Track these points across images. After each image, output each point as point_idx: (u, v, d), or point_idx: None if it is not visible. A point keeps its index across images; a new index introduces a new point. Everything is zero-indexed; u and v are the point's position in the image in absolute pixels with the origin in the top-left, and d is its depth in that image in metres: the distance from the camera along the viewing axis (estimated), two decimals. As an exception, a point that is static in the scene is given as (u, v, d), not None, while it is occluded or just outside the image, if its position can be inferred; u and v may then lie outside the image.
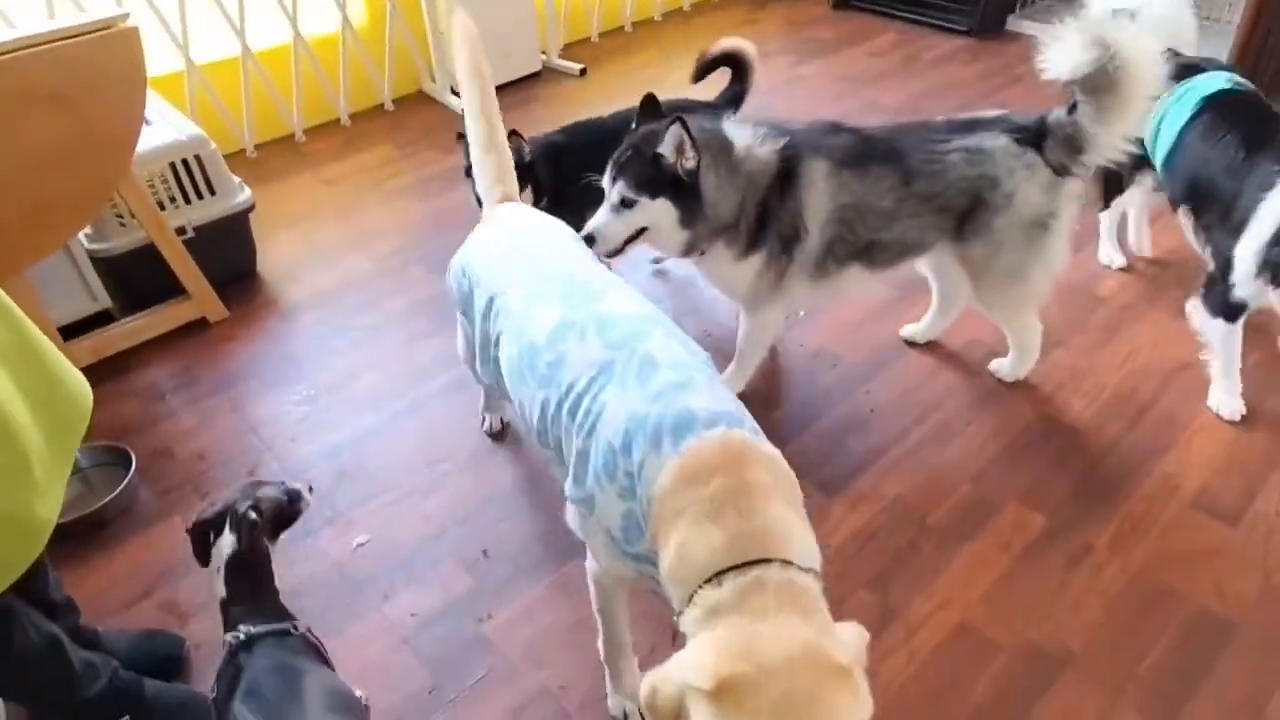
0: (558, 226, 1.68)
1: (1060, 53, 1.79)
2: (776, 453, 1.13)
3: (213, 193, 2.71)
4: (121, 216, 2.55)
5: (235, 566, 1.36)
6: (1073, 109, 1.86)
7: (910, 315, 2.56)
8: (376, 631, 1.79)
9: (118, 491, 2.05)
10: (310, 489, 1.53)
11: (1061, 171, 1.90)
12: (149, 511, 2.11)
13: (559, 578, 1.88)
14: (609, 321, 1.30)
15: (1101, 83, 1.76)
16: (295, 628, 1.34)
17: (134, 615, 1.85)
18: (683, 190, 1.82)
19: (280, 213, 3.33)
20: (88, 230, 2.55)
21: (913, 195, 1.92)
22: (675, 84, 4.17)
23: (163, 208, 2.60)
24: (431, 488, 2.12)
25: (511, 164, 1.84)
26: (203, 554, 1.40)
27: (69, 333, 2.52)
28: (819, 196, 1.91)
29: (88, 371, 2.54)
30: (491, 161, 1.80)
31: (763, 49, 4.49)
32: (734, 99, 2.66)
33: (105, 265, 2.62)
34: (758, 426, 1.17)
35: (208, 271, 2.66)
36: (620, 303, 1.35)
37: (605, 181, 1.88)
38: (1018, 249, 1.97)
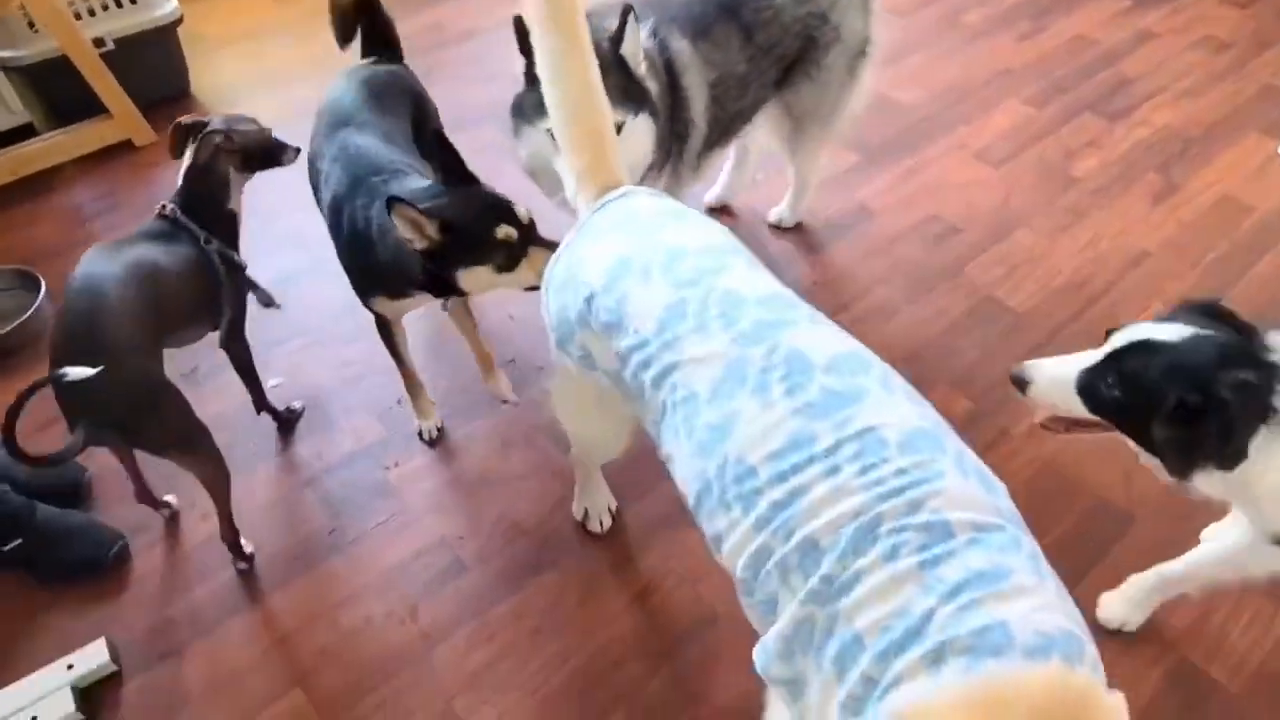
0: (716, 230, 1.07)
1: None
2: (1122, 705, 0.70)
3: (134, 1, 2.49)
4: (30, 20, 2.36)
5: (191, 176, 1.54)
6: None
7: (876, 180, 2.43)
8: (281, 472, 1.79)
9: (26, 316, 1.99)
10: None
11: None
12: (62, 339, 2.06)
13: (468, 431, 1.86)
14: (875, 442, 0.80)
15: None
16: (233, 260, 1.57)
17: (37, 441, 1.82)
18: (644, 95, 1.50)
19: (221, 30, 3.09)
20: (-6, 35, 2.36)
21: (758, 51, 1.74)
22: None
23: (79, 17, 2.40)
24: (353, 336, 2.05)
25: (614, 134, 1.20)
26: (175, 150, 1.58)
27: (-17, 147, 2.39)
28: (696, 81, 1.66)
29: (5, 191, 2.46)
30: (583, 132, 1.16)
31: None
32: None
33: (21, 75, 2.44)
34: (1097, 654, 0.73)
35: (133, 90, 2.49)
36: (890, 407, 0.84)
37: None
38: (842, 84, 1.89)
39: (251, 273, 1.72)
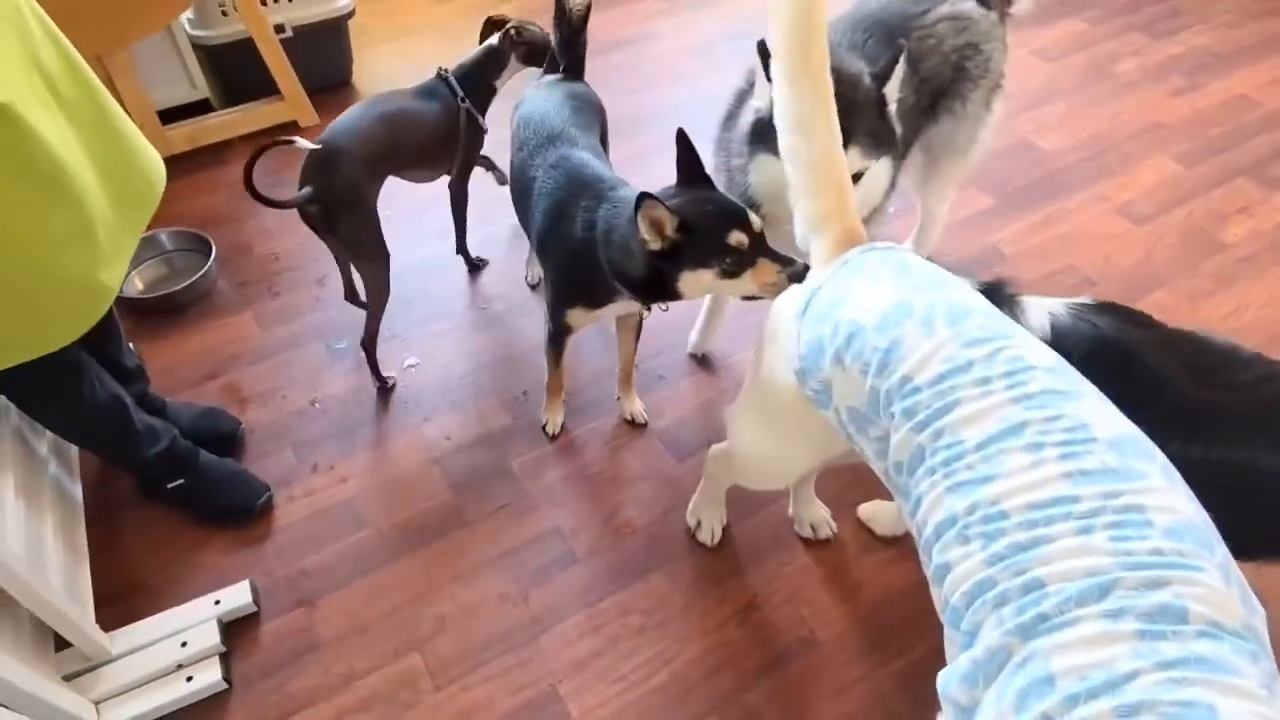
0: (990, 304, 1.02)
1: None
2: None
3: (315, -7, 2.68)
4: (224, 5, 2.56)
5: (483, 56, 1.99)
6: None
7: (1011, 225, 2.41)
8: (412, 448, 1.89)
9: (198, 276, 2.17)
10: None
11: (1002, 20, 1.82)
12: (225, 301, 2.23)
13: (589, 430, 1.93)
14: (1139, 520, 0.76)
15: None
16: (477, 120, 1.99)
17: (199, 393, 1.99)
18: (891, 138, 1.49)
19: (384, 25, 3.28)
20: (191, 16, 2.57)
21: (921, 82, 1.73)
22: None
23: (264, 3, 2.59)
24: (484, 324, 2.17)
25: (850, 179, 1.18)
26: (482, 38, 2.03)
27: (169, 117, 2.60)
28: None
29: (184, 158, 2.65)
30: (825, 180, 1.15)
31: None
32: None
33: (206, 54, 2.66)
34: None
35: (303, 75, 2.67)
36: (1167, 495, 0.80)
37: None
38: (979, 118, 1.87)
39: (397, 261, 1.86)
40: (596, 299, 1.59)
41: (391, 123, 1.79)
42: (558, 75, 1.87)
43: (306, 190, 1.69)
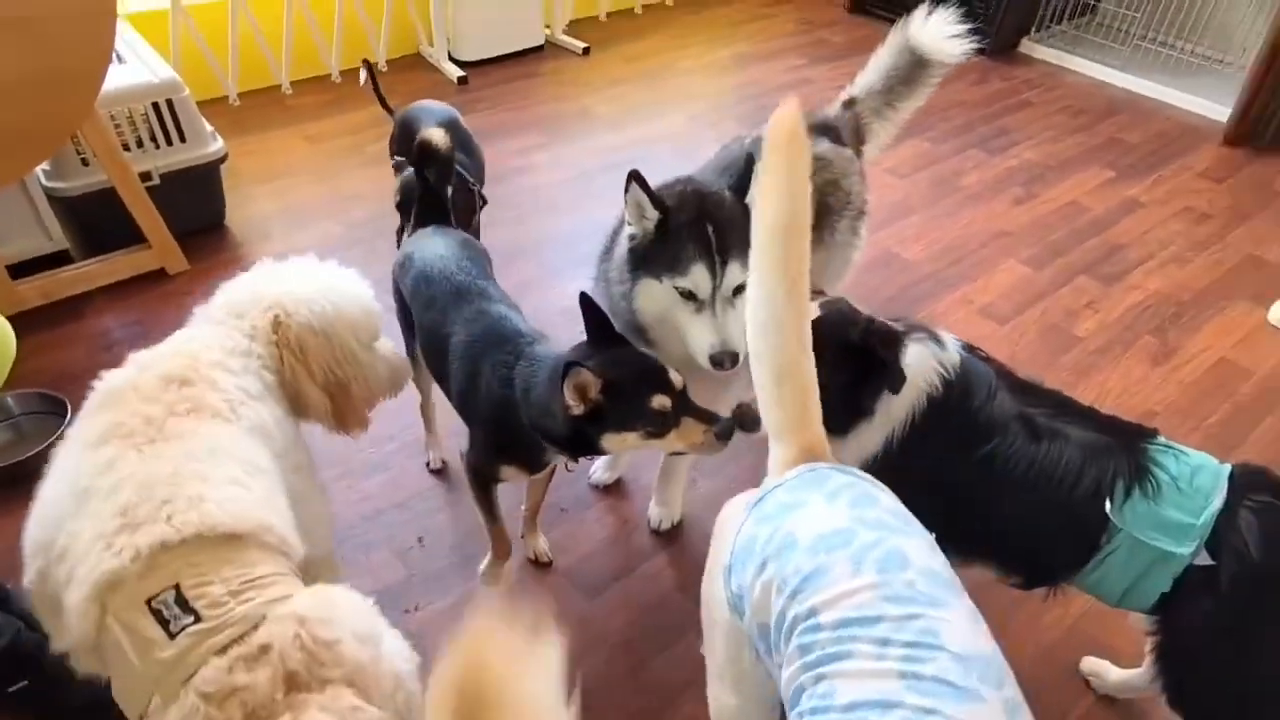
0: (941, 560, 0.93)
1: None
2: None
3: (183, 140, 2.62)
4: (84, 155, 2.46)
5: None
6: (848, 104, 2.09)
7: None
8: (298, 613, 1.74)
9: (49, 442, 1.98)
10: None
11: (858, 155, 2.00)
12: (81, 465, 2.05)
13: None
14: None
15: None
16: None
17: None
18: None
19: (257, 166, 3.24)
20: (46, 167, 2.46)
21: None
22: (683, 71, 4.12)
23: (128, 149, 2.51)
24: (374, 467, 2.07)
25: (817, 390, 1.06)
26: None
27: (20, 271, 2.44)
28: None
29: (37, 314, 2.48)
30: (792, 389, 1.05)
31: (772, 46, 4.45)
32: None
33: (63, 205, 2.53)
34: None
35: (173, 220, 2.58)
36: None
37: (690, 279, 1.42)
38: (848, 244, 2.00)
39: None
40: (528, 458, 1.52)
41: None
42: (432, 226, 1.82)
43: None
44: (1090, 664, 1.66)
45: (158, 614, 0.95)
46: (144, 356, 1.26)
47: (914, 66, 2.10)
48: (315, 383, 1.40)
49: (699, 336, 1.43)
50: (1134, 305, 2.69)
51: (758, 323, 1.05)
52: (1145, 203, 3.23)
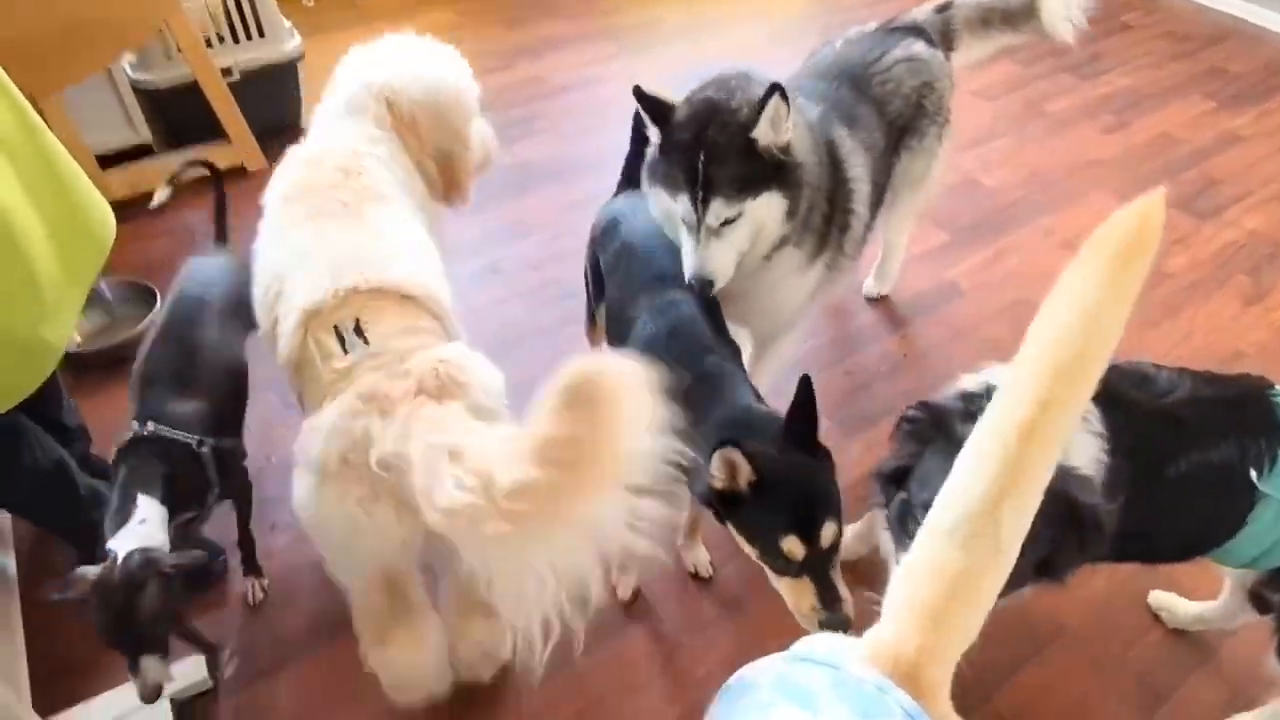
0: None
1: None
2: None
3: (262, 35, 2.62)
4: (169, 48, 2.48)
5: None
6: (942, 8, 1.96)
7: (966, 260, 2.46)
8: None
9: (140, 328, 2.06)
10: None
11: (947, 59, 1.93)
12: (169, 352, 2.12)
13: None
14: None
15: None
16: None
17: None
18: (781, 170, 1.42)
19: (329, 68, 3.22)
20: (132, 59, 2.49)
21: (889, 125, 1.77)
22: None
23: (210, 45, 2.52)
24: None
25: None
26: None
27: (106, 162, 2.50)
28: (859, 169, 1.63)
29: (122, 204, 2.53)
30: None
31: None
32: None
33: (148, 98, 2.56)
34: None
35: (250, 118, 2.60)
36: None
37: (680, 204, 1.43)
38: (932, 152, 1.94)
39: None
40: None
41: None
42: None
43: None
44: (1159, 598, 1.65)
45: (340, 335, 1.20)
46: (303, 152, 1.49)
47: (1023, 15, 1.98)
48: (427, 154, 1.57)
49: (685, 256, 1.45)
50: (1229, 244, 2.56)
51: (958, 508, 0.69)
52: (1247, 136, 3.05)
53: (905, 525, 1.14)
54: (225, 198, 1.79)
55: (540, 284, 2.38)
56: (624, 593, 1.66)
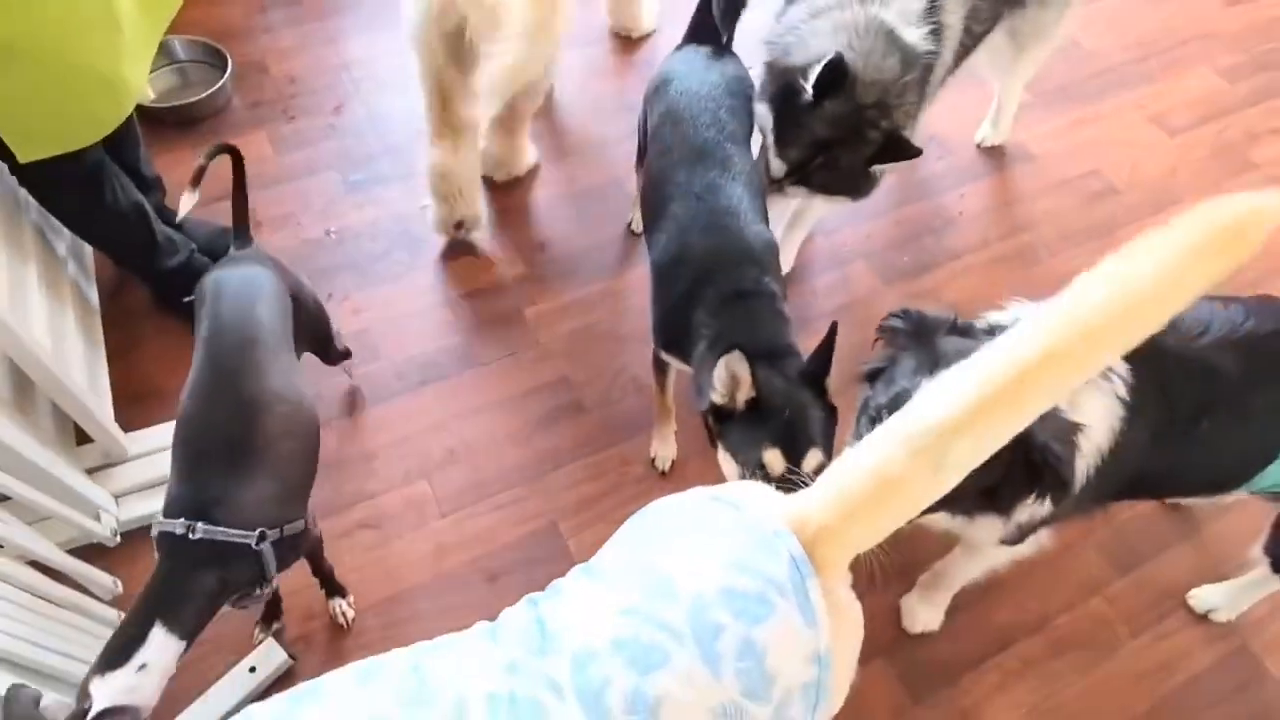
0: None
1: None
2: None
3: None
4: None
5: None
6: None
7: (1044, 124, 2.36)
8: (427, 287, 1.90)
9: (212, 90, 2.10)
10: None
11: None
12: (238, 119, 2.17)
13: (607, 286, 1.94)
14: None
15: None
16: None
17: (211, 213, 1.95)
18: None
19: None
20: None
21: None
22: None
23: None
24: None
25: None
26: None
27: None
28: (954, 18, 1.60)
29: (199, -35, 2.52)
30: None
31: None
32: None
33: None
34: None
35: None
36: None
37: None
38: (1064, 1, 1.88)
39: (415, 96, 1.77)
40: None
41: None
42: (709, 48, 1.58)
43: None
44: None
45: None
46: None
47: None
48: None
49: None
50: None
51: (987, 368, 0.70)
52: (1387, 27, 2.79)
53: (859, 421, 1.17)
54: (245, 181, 1.40)
55: None
56: None
